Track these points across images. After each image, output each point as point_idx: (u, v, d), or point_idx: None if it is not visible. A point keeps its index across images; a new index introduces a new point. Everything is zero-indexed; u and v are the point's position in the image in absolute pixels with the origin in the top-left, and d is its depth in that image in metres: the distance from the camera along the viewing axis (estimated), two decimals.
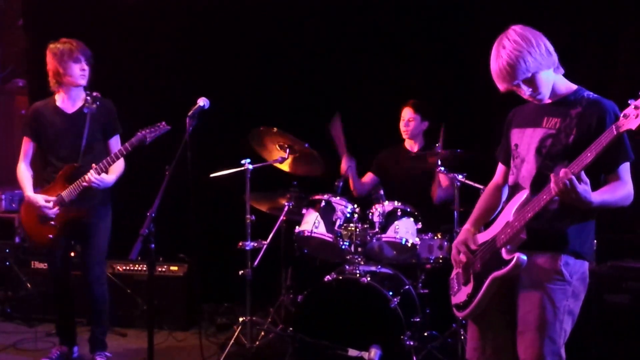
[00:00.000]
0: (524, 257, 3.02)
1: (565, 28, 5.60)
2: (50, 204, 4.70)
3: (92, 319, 5.07)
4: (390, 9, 6.56)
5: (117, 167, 4.81)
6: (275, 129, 5.27)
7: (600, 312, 4.72)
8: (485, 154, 5.25)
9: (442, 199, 5.47)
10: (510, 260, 3.04)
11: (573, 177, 2.74)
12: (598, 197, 2.88)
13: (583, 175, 2.78)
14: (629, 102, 2.63)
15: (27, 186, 4.83)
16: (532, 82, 3.02)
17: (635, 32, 5.67)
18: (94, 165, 4.60)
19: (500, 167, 3.49)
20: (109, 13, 6.98)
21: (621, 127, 2.64)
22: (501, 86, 3.09)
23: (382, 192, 5.38)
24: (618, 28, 5.74)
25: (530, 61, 2.96)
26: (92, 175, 4.58)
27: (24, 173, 4.89)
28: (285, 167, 5.53)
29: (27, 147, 4.92)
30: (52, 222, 4.73)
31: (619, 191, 2.97)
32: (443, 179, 5.45)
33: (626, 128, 2.62)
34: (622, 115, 2.65)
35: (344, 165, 5.59)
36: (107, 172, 4.70)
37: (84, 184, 4.61)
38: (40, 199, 4.72)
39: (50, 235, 4.76)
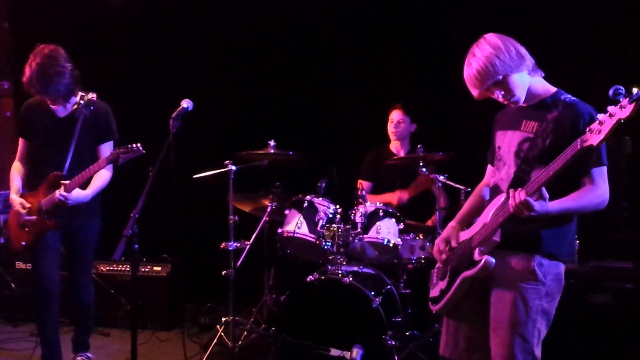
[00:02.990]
0: (493, 260, 3.09)
1: (544, 34, 5.68)
2: (26, 211, 4.50)
3: (77, 324, 4.99)
4: (374, 14, 6.60)
5: (98, 180, 4.57)
6: None
7: (583, 312, 4.77)
8: (466, 156, 5.36)
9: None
10: (479, 262, 3.12)
11: (528, 199, 2.85)
12: (557, 205, 2.96)
13: (543, 190, 2.87)
14: (596, 117, 2.67)
15: (13, 187, 4.65)
16: (503, 84, 3.07)
17: (615, 38, 5.75)
18: (62, 182, 4.37)
19: (489, 168, 3.54)
20: (93, 16, 7.00)
21: (585, 142, 2.68)
22: (474, 92, 3.16)
23: (364, 192, 5.41)
24: (598, 33, 5.82)
25: (499, 64, 3.02)
26: (59, 192, 4.37)
27: (15, 173, 4.70)
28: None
29: (21, 145, 4.76)
30: (27, 229, 4.53)
31: (587, 196, 3.02)
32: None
33: (589, 144, 2.66)
34: (587, 129, 2.68)
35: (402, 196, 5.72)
36: (83, 187, 4.47)
37: (53, 198, 4.40)
38: (17, 202, 4.55)
39: (23, 242, 4.55)
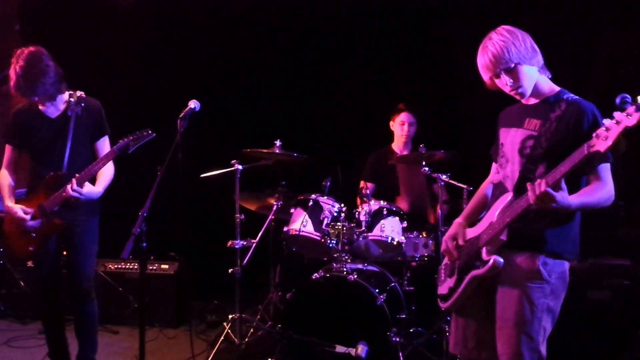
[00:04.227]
0: (501, 260, 3.12)
1: (539, 34, 5.71)
2: (28, 216, 4.35)
3: (80, 336, 4.63)
4: (377, 15, 6.65)
5: (105, 176, 4.45)
6: None
7: (582, 308, 4.83)
8: (468, 155, 5.40)
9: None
10: (488, 261, 3.14)
11: (549, 189, 2.82)
12: (577, 199, 2.96)
13: (562, 182, 2.87)
14: (602, 122, 2.68)
15: (6, 195, 4.48)
16: (513, 73, 3.12)
17: (609, 39, 5.78)
18: (76, 175, 4.23)
19: (494, 165, 3.57)
20: (103, 17, 7.04)
21: (592, 148, 2.70)
22: (485, 76, 3.21)
23: (368, 191, 5.45)
24: (592, 34, 5.87)
25: (514, 51, 3.08)
26: (71, 187, 4.20)
27: (3, 180, 4.52)
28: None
29: (9, 153, 4.56)
30: (33, 234, 4.37)
31: (599, 192, 3.04)
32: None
33: (595, 149, 2.69)
34: (594, 135, 2.69)
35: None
36: (93, 182, 4.36)
37: (64, 194, 4.23)
38: (18, 209, 4.36)
39: (31, 248, 4.40)
